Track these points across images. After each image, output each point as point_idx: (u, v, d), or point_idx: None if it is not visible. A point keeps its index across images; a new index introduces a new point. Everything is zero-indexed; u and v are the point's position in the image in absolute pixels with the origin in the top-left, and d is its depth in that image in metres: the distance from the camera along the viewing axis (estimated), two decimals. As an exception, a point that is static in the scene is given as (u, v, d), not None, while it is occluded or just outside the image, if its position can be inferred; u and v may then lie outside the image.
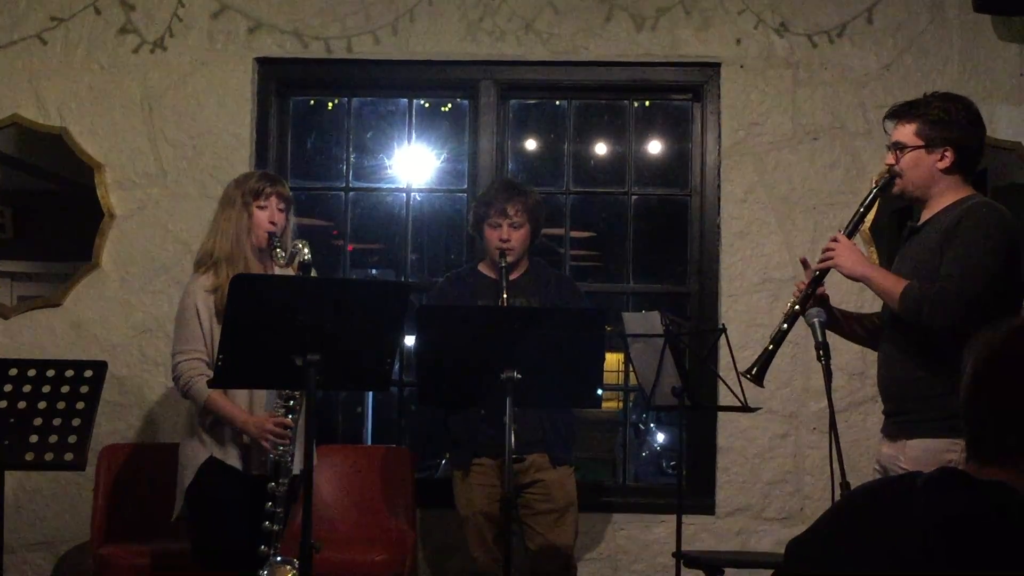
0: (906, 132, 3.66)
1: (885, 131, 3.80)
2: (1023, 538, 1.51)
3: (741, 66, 5.50)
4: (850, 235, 3.75)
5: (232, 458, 4.23)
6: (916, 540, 1.55)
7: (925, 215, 3.70)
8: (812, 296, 3.75)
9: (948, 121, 3.62)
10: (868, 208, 3.77)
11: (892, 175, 3.70)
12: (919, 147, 3.64)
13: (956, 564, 1.51)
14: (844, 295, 4.51)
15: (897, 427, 3.66)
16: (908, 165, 3.66)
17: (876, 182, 3.76)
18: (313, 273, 4.25)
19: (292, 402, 4.19)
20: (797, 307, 3.76)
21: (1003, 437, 1.60)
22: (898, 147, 3.68)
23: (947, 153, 3.62)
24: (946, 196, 3.64)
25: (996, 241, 3.51)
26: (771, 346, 3.78)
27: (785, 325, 3.77)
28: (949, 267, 3.49)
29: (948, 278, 3.48)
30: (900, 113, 3.71)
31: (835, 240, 3.72)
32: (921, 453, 3.51)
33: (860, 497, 1.74)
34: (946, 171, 3.63)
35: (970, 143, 3.65)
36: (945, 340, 3.45)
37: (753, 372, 3.80)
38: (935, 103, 3.66)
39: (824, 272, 3.75)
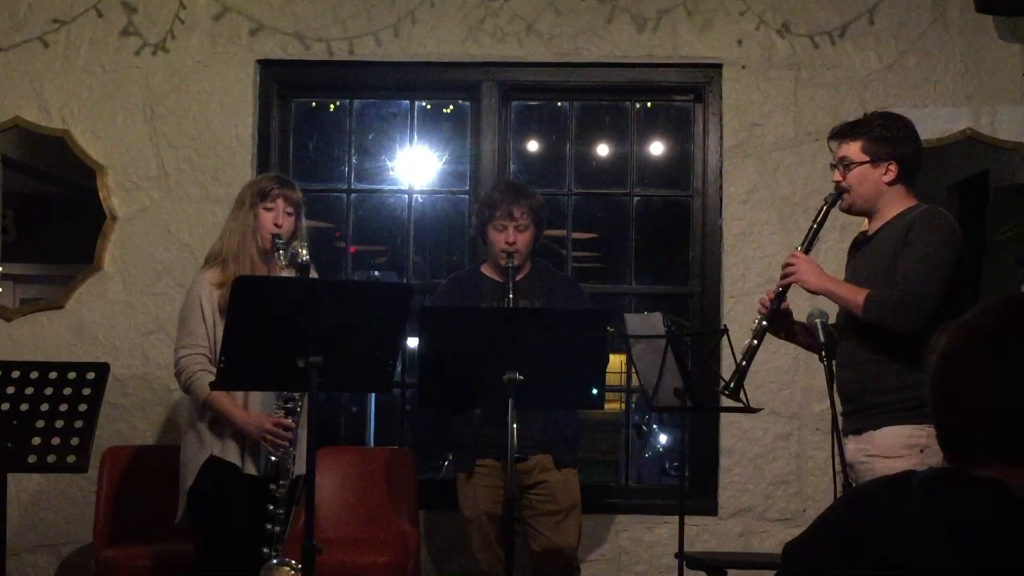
0: (852, 148, 3.88)
1: (830, 150, 3.98)
2: (1020, 537, 1.51)
3: (743, 67, 5.50)
4: (807, 251, 3.93)
5: (232, 455, 4.23)
6: (913, 540, 1.55)
7: (874, 225, 3.91)
8: (778, 311, 3.95)
9: (891, 137, 3.85)
10: (820, 224, 3.96)
11: (840, 191, 3.90)
12: (865, 163, 3.85)
13: (953, 564, 1.51)
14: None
15: (862, 421, 3.79)
16: (855, 180, 3.87)
17: (825, 200, 3.95)
18: (312, 274, 4.25)
19: (291, 403, 4.19)
20: (764, 323, 3.96)
21: (985, 435, 1.60)
22: (844, 163, 3.88)
23: (891, 167, 3.85)
24: (893, 206, 3.86)
25: (948, 244, 3.72)
26: (743, 362, 3.99)
27: (755, 341, 3.96)
28: (907, 271, 3.68)
29: (908, 282, 3.66)
30: (845, 132, 3.93)
31: (794, 256, 3.90)
32: (889, 440, 3.67)
33: (855, 498, 1.74)
34: (890, 183, 3.85)
35: (910, 156, 3.88)
36: (904, 336, 3.64)
37: (730, 388, 4.01)
38: (877, 121, 3.89)
39: (787, 288, 3.93)
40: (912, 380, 3.63)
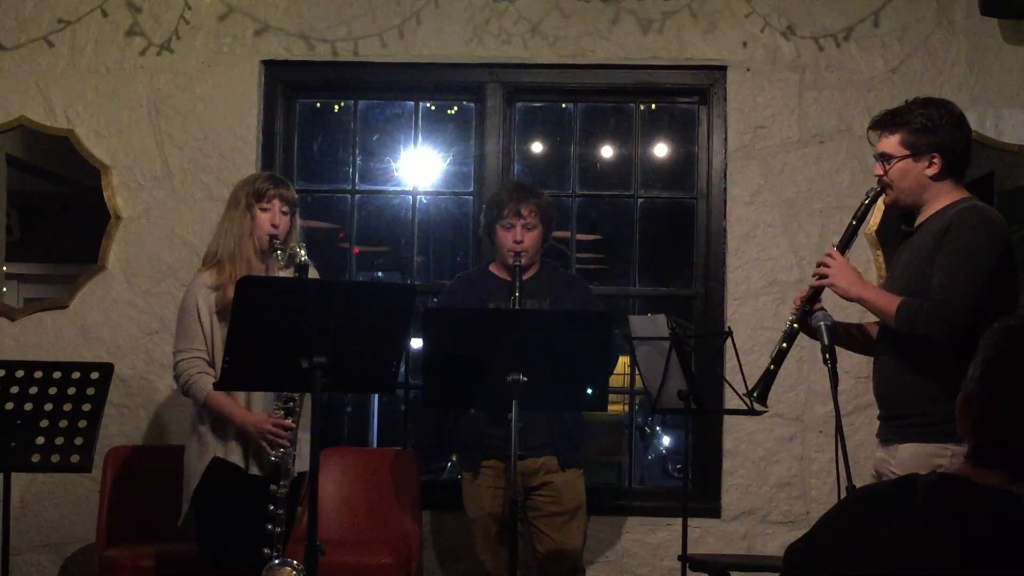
0: (891, 142, 3.65)
1: (870, 142, 3.78)
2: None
3: (747, 69, 5.50)
4: (843, 250, 3.74)
5: (235, 456, 4.23)
6: (918, 547, 1.55)
7: (919, 220, 3.70)
8: (809, 313, 3.75)
9: (932, 127, 3.60)
10: (861, 221, 3.77)
11: (882, 186, 3.70)
12: (906, 156, 3.63)
13: (958, 571, 1.51)
14: (848, 305, 4.49)
15: (890, 431, 3.67)
16: (897, 175, 3.65)
17: (868, 195, 3.75)
18: (311, 273, 4.24)
19: (292, 403, 4.18)
20: (796, 325, 3.78)
21: (1005, 441, 1.60)
22: (884, 158, 3.67)
23: (935, 160, 3.60)
24: (939, 200, 3.63)
25: (986, 247, 3.51)
26: (772, 366, 3.81)
27: (784, 344, 3.80)
28: (941, 278, 3.49)
29: (942, 290, 3.48)
30: (883, 123, 3.69)
31: (830, 256, 3.71)
32: (911, 457, 3.52)
33: (858, 502, 1.74)
34: (935, 177, 3.62)
35: (956, 147, 3.63)
36: (938, 346, 3.47)
37: (756, 393, 3.85)
38: (917, 110, 3.64)
39: (819, 289, 3.75)
40: (936, 394, 3.47)
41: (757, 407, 4.15)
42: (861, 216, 3.76)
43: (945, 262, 3.50)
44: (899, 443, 3.60)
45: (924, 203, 3.67)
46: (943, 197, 3.63)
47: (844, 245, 3.76)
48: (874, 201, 3.75)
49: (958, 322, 3.43)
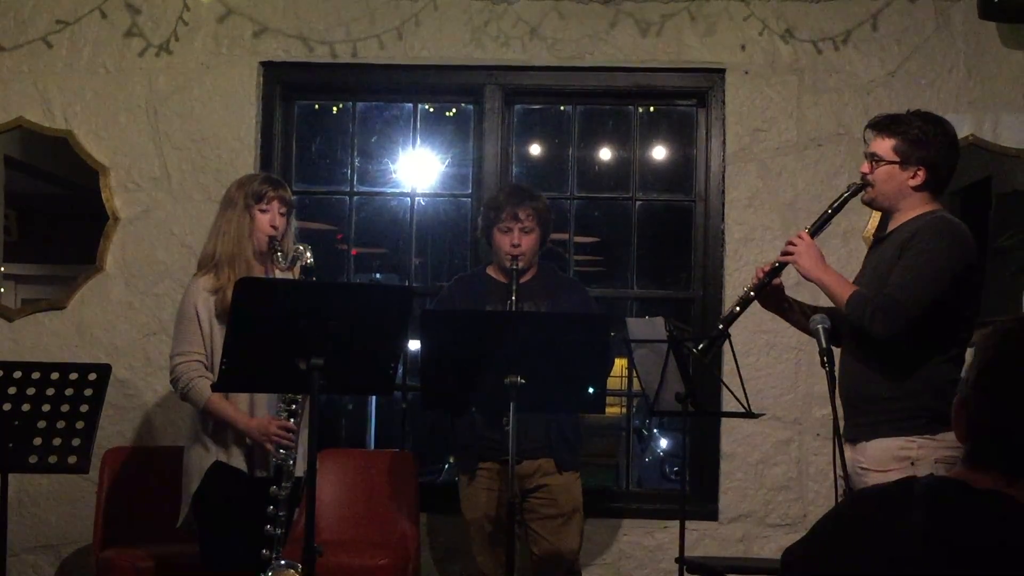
0: (884, 146, 3.76)
1: (864, 140, 3.88)
2: (1022, 549, 1.51)
3: (746, 72, 5.50)
4: (814, 234, 3.85)
5: (237, 460, 4.22)
6: (915, 550, 1.55)
7: (891, 226, 3.82)
8: (768, 285, 3.89)
9: (925, 142, 3.71)
10: (836, 210, 3.87)
11: (864, 183, 3.81)
12: (894, 162, 3.73)
13: (955, 574, 1.51)
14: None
15: (856, 430, 3.75)
16: (881, 178, 3.76)
17: (848, 188, 3.86)
18: (314, 277, 4.24)
19: (294, 405, 4.18)
20: (752, 293, 3.91)
21: (1001, 444, 1.60)
22: (874, 158, 3.78)
23: (919, 172, 3.72)
24: (912, 210, 3.75)
25: (947, 253, 3.61)
26: (721, 326, 3.98)
27: (738, 308, 3.93)
28: (898, 277, 3.61)
29: (895, 287, 3.59)
30: (881, 126, 3.80)
31: (799, 237, 3.83)
32: (879, 453, 3.63)
33: (856, 505, 1.75)
34: (916, 188, 3.74)
35: (943, 164, 3.75)
36: (894, 345, 3.59)
37: (699, 348, 4.03)
38: (915, 122, 3.75)
39: (783, 265, 3.88)
40: (900, 391, 3.60)
41: (755, 410, 4.18)
42: (838, 206, 3.86)
43: (904, 264, 3.61)
44: (867, 440, 3.69)
45: (899, 210, 3.79)
46: (917, 207, 3.75)
47: (815, 229, 3.87)
48: (853, 194, 3.85)
49: (903, 319, 3.56)
